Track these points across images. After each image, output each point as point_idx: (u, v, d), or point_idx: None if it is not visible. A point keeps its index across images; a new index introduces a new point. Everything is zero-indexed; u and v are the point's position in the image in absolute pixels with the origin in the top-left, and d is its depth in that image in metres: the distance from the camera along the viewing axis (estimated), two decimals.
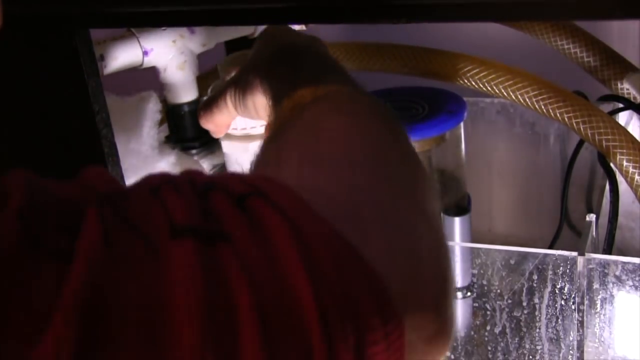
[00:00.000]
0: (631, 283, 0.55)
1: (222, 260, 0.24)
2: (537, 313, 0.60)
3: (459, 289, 0.63)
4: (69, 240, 0.23)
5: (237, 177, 0.28)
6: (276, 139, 0.38)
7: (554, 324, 0.60)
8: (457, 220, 0.62)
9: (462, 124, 0.68)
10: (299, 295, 0.24)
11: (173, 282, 0.22)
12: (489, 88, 0.67)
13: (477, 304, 0.63)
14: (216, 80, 0.67)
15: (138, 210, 0.25)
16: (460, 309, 0.65)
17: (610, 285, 0.56)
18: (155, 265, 0.23)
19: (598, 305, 0.57)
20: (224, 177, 0.28)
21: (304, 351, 0.24)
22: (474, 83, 0.68)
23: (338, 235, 0.27)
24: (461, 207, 0.64)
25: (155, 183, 0.27)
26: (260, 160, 0.37)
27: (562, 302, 0.58)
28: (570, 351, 0.60)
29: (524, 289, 0.60)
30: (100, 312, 0.21)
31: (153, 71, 0.71)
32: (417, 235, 0.32)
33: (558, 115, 0.63)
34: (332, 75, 0.42)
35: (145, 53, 0.68)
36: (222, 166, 0.70)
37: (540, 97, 0.64)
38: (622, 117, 0.73)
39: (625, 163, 0.61)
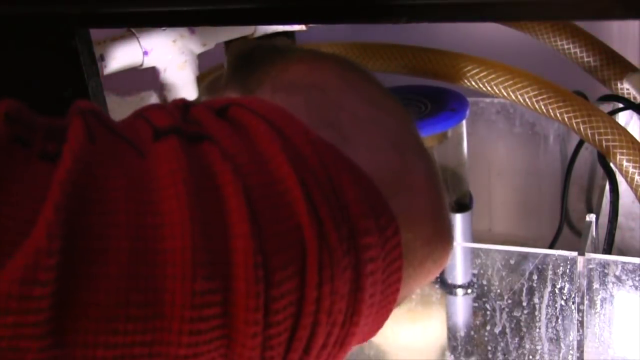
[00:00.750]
0: (631, 283, 0.55)
1: (208, 154, 0.24)
2: (537, 313, 0.60)
3: (459, 287, 0.63)
4: (56, 146, 0.23)
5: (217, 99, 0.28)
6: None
7: (554, 324, 0.60)
8: (458, 217, 0.62)
9: (464, 122, 0.68)
10: (287, 186, 0.24)
11: (160, 175, 0.23)
12: (489, 88, 0.67)
13: (477, 304, 0.63)
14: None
15: (122, 123, 0.26)
16: (460, 309, 0.65)
17: (610, 285, 0.56)
18: (140, 161, 0.23)
19: (598, 305, 0.57)
20: (204, 101, 0.29)
21: (295, 242, 0.23)
22: (474, 83, 0.68)
23: (319, 137, 0.26)
24: (463, 205, 0.64)
25: (138, 110, 0.28)
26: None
27: (562, 302, 0.58)
28: (570, 351, 0.60)
29: (524, 289, 0.60)
30: (90, 202, 0.21)
31: (153, 71, 0.71)
32: (406, 145, 0.32)
33: (558, 115, 0.63)
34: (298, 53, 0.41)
35: (145, 53, 0.68)
36: None
37: (540, 97, 0.64)
38: (622, 117, 0.73)
39: (625, 163, 0.61)
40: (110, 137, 0.24)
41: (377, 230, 0.26)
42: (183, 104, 0.28)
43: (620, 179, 0.64)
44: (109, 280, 0.21)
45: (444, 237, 0.31)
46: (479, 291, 0.63)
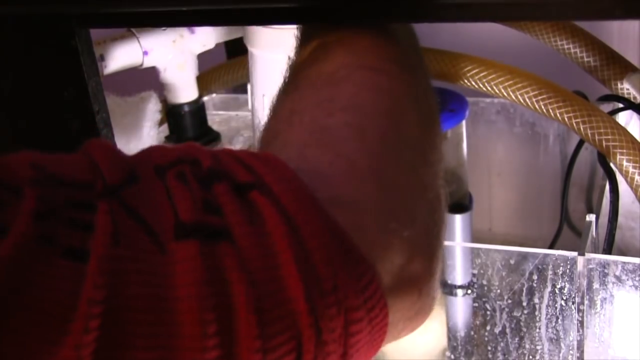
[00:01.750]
0: (631, 283, 0.55)
1: (224, 261, 0.25)
2: (537, 313, 0.60)
3: (459, 287, 0.63)
4: (81, 238, 0.24)
5: (241, 161, 0.29)
6: (292, 90, 0.38)
7: (554, 324, 0.60)
8: (458, 218, 0.62)
9: (464, 123, 0.68)
10: (291, 295, 0.26)
11: (177, 284, 0.24)
12: (489, 88, 0.67)
13: (477, 304, 0.63)
14: None
15: (145, 200, 0.26)
16: (460, 309, 0.65)
17: (610, 285, 0.56)
18: (161, 267, 0.24)
19: (598, 305, 0.57)
20: (228, 161, 0.29)
21: (294, 344, 0.26)
22: (474, 83, 0.68)
23: (331, 225, 0.28)
24: (462, 205, 0.64)
25: (159, 162, 0.28)
26: (273, 117, 0.37)
27: (562, 302, 0.58)
28: (570, 351, 0.60)
29: (524, 289, 0.60)
30: (114, 314, 0.23)
31: (153, 71, 0.71)
32: (414, 220, 0.33)
33: (558, 115, 0.63)
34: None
35: (145, 53, 0.68)
36: None
37: (540, 97, 0.64)
38: (622, 117, 0.73)
39: (625, 163, 0.61)
40: (133, 232, 0.25)
41: (367, 320, 0.28)
42: (207, 173, 0.28)
43: (620, 179, 0.64)
44: None
45: (426, 314, 0.35)
46: (479, 291, 0.63)
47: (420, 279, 0.33)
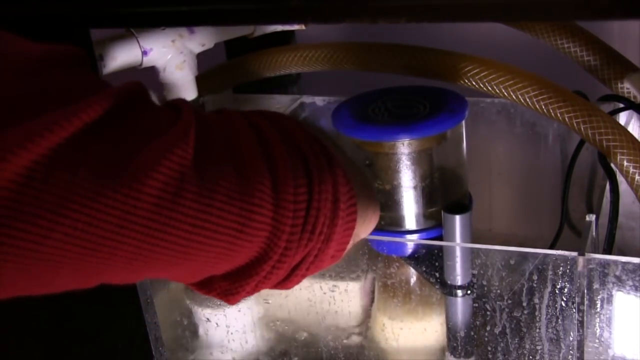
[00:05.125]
0: (631, 283, 0.55)
1: (257, 120, 0.41)
2: (537, 313, 0.60)
3: (459, 287, 0.63)
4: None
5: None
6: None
7: (554, 324, 0.60)
8: (457, 219, 0.62)
9: (463, 123, 0.68)
10: (296, 135, 0.41)
11: (237, 130, 0.39)
12: (489, 88, 0.67)
13: (477, 304, 0.63)
14: None
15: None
16: (460, 309, 0.65)
17: (610, 285, 0.56)
18: (223, 118, 0.40)
19: (598, 305, 0.57)
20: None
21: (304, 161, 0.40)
22: (474, 83, 0.68)
23: (316, 135, 0.43)
24: (462, 206, 0.64)
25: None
26: None
27: (562, 302, 0.58)
28: (570, 351, 0.60)
29: (524, 289, 0.60)
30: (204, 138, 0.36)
31: (153, 71, 0.71)
32: (358, 171, 0.47)
33: (558, 115, 0.63)
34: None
35: (144, 53, 0.68)
36: None
37: (540, 97, 0.64)
38: (622, 117, 0.73)
39: (625, 163, 0.61)
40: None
41: (348, 186, 0.42)
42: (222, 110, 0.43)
43: (620, 179, 0.64)
44: None
45: (377, 207, 0.49)
46: (479, 291, 0.63)
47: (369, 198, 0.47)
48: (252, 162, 0.37)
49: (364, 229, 0.47)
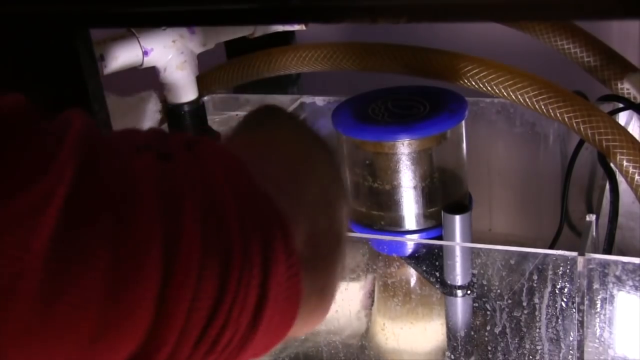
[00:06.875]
0: (631, 283, 0.55)
1: (175, 170, 0.30)
2: (537, 313, 0.60)
3: (459, 287, 0.63)
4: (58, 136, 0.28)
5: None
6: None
7: (554, 324, 0.60)
8: (457, 219, 0.62)
9: (463, 123, 0.68)
10: (226, 207, 0.30)
11: (138, 177, 0.28)
12: (489, 88, 0.67)
13: (477, 304, 0.63)
14: None
15: (109, 136, 0.32)
16: (460, 309, 0.65)
17: (610, 285, 0.56)
18: (124, 164, 0.29)
19: (598, 305, 0.57)
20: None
21: (227, 243, 0.29)
22: (474, 83, 0.68)
23: (259, 185, 0.33)
24: (462, 205, 0.64)
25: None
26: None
27: (562, 302, 0.58)
28: (570, 351, 0.60)
29: (524, 289, 0.60)
30: (88, 176, 0.27)
31: (153, 71, 0.71)
32: (325, 217, 0.39)
33: (558, 115, 0.63)
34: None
35: (145, 53, 0.68)
36: None
37: (540, 97, 0.64)
38: (622, 117, 0.73)
39: (625, 163, 0.61)
40: (100, 143, 0.30)
41: (286, 265, 0.32)
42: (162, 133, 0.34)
43: (620, 179, 0.64)
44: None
45: (327, 305, 0.38)
46: (479, 291, 0.63)
47: (329, 259, 0.38)
48: (141, 247, 0.27)
49: (309, 320, 0.38)
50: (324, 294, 0.38)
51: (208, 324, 0.28)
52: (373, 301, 0.72)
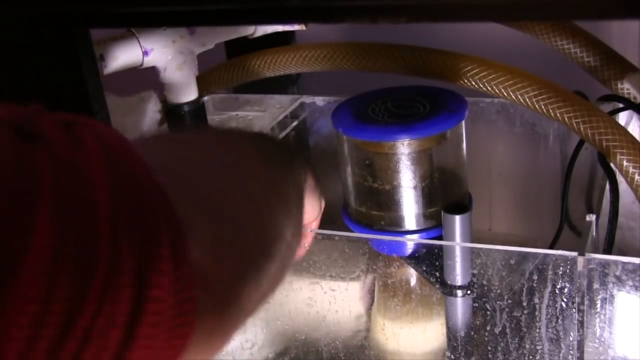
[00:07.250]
0: (631, 283, 0.55)
1: (35, 153, 0.25)
2: (537, 313, 0.60)
3: (459, 287, 0.63)
4: None
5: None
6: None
7: (554, 324, 0.60)
8: (457, 219, 0.62)
9: (463, 123, 0.68)
10: (97, 201, 0.25)
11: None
12: (489, 88, 0.67)
13: (477, 304, 0.63)
14: None
15: None
16: (460, 309, 0.65)
17: (610, 285, 0.56)
18: None
19: (598, 306, 0.57)
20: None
21: (92, 246, 0.25)
22: (474, 83, 0.68)
23: (153, 177, 0.28)
24: (462, 206, 0.64)
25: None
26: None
27: (562, 302, 0.58)
28: (570, 351, 0.60)
29: (524, 289, 0.60)
30: None
31: (153, 71, 0.71)
32: (245, 228, 0.34)
33: (558, 115, 0.63)
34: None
35: (145, 53, 0.68)
36: None
37: (540, 97, 0.64)
38: (622, 117, 0.73)
39: (625, 163, 0.61)
40: None
41: (172, 277, 0.26)
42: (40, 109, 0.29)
43: (620, 179, 0.63)
44: None
45: (236, 322, 0.33)
46: (479, 291, 0.63)
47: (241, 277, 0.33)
48: None
49: (210, 342, 0.32)
50: (228, 314, 0.32)
51: (61, 339, 0.24)
52: (373, 301, 0.72)
